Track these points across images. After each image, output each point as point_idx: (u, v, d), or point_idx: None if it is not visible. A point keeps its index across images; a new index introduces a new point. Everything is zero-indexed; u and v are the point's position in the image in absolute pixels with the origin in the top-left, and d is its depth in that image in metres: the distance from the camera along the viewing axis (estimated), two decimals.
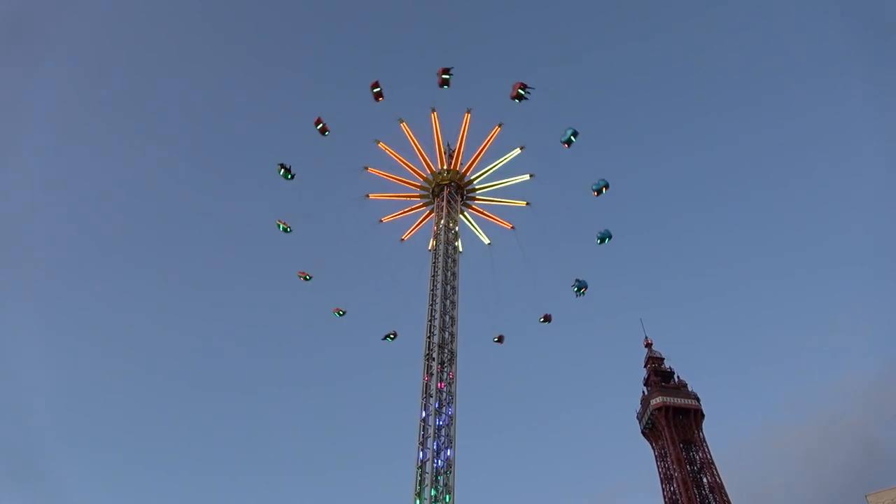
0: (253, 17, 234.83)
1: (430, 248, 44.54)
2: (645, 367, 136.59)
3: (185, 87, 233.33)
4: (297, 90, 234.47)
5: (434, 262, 43.41)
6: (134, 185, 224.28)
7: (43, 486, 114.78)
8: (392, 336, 46.40)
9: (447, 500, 31.07)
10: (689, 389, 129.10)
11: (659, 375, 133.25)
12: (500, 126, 47.23)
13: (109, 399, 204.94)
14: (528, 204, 49.05)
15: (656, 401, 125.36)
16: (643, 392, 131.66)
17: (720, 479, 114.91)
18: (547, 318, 46.28)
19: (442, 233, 45.01)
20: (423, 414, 34.98)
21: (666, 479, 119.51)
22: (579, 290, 44.34)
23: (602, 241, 43.92)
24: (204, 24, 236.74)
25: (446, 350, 38.19)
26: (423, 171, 48.69)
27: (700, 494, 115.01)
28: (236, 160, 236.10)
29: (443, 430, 34.40)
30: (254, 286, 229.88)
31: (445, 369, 37.20)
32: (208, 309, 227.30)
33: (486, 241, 49.99)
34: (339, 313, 47.47)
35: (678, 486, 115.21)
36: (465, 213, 49.78)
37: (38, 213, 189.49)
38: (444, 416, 35.04)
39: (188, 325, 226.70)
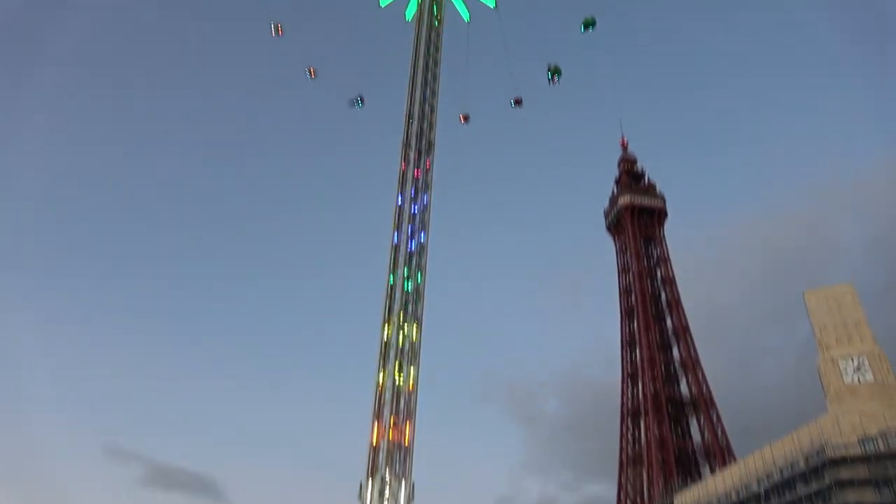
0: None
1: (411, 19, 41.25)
2: (618, 167, 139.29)
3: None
4: None
5: (416, 48, 41.37)
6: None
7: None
8: (360, 102, 43.56)
9: (419, 277, 33.28)
10: (658, 191, 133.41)
11: (630, 176, 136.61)
12: None
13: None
14: None
15: (624, 199, 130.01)
16: (613, 191, 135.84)
17: (673, 273, 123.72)
18: (518, 102, 44.17)
19: (425, 13, 42.36)
20: (399, 200, 35.89)
21: (624, 270, 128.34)
22: (552, 75, 40.83)
23: (586, 28, 40.23)
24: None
25: (424, 139, 38.14)
26: None
27: (653, 286, 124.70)
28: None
29: (417, 217, 35.57)
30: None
31: (423, 157, 37.49)
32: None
33: (466, 18, 47.04)
34: (309, 73, 43.45)
35: (634, 276, 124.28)
36: None
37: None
38: (419, 202, 36.00)
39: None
